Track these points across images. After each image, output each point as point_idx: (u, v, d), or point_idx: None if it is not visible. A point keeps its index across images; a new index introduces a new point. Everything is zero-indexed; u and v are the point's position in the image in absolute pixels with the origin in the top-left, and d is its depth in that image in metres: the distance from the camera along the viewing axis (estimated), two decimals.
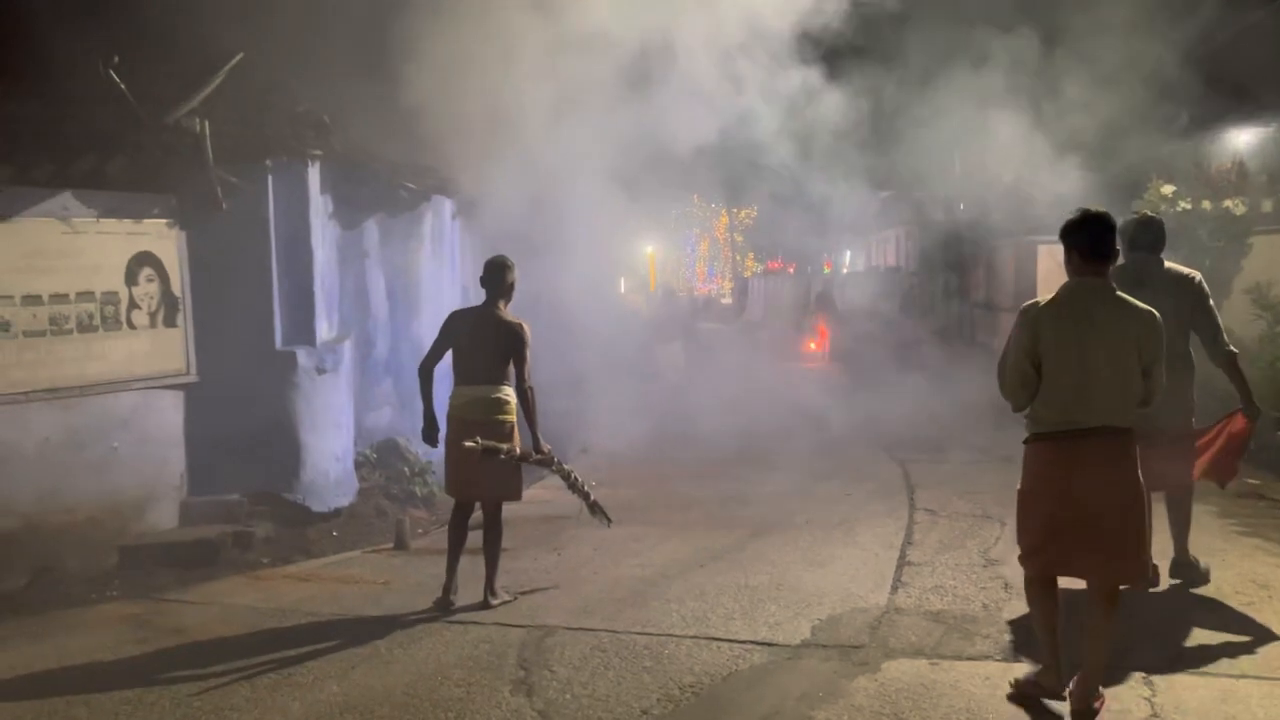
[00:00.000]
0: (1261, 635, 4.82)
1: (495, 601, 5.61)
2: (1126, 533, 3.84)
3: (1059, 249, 4.16)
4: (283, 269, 7.58)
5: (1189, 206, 11.92)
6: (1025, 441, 4.11)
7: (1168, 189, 12.31)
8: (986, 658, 4.66)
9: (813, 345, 20.63)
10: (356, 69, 8.33)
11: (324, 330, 7.91)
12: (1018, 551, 4.14)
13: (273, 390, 7.45)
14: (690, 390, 14.42)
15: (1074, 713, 3.89)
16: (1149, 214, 6.05)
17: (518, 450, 5.67)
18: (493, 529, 5.71)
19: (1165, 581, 5.52)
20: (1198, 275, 5.42)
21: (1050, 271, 15.57)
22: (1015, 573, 5.94)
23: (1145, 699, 4.14)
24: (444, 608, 5.56)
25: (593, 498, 6.18)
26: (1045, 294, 4.10)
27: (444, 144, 9.06)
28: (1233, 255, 11.71)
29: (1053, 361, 3.90)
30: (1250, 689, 4.22)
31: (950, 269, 29.56)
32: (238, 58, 7.15)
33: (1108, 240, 3.98)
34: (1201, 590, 5.51)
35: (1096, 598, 3.92)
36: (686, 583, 5.96)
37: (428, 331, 9.38)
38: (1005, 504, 7.30)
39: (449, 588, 5.63)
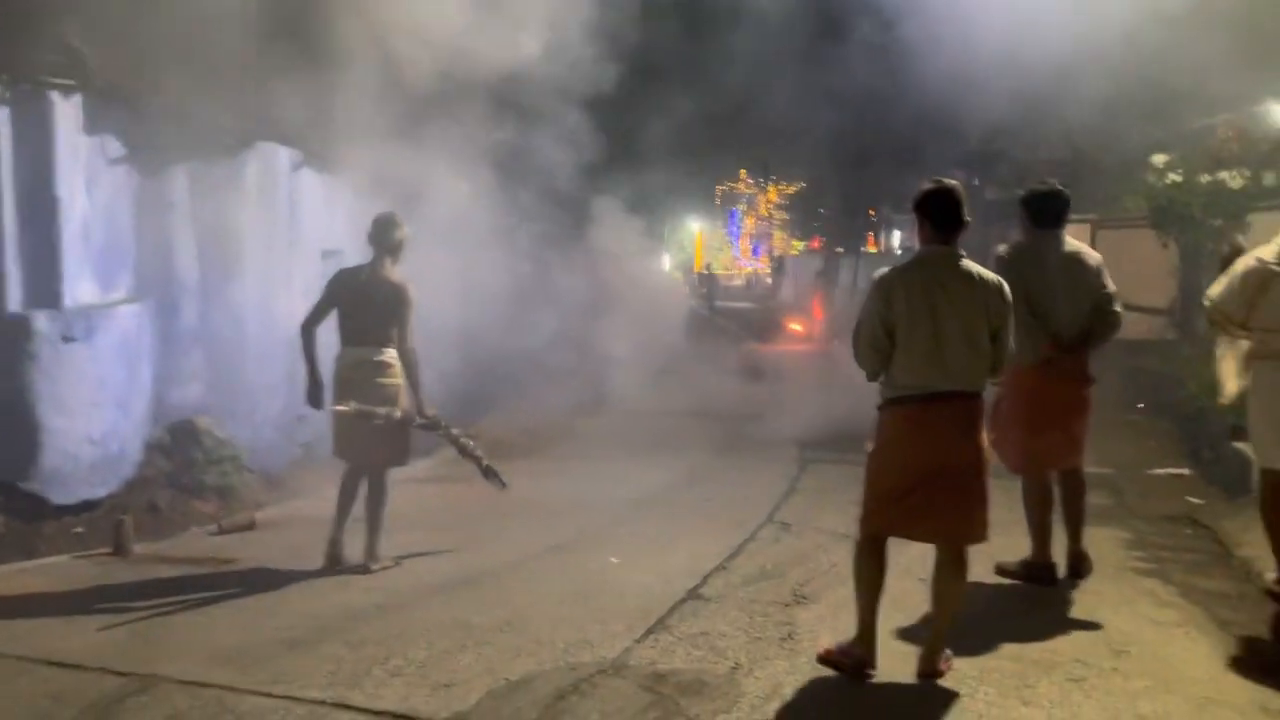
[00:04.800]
0: None
1: (375, 566, 5.45)
2: (974, 494, 3.86)
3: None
4: (21, 218, 6.41)
5: (1179, 179, 10.28)
6: (879, 407, 4.01)
7: (1159, 158, 10.70)
8: None
9: (797, 326, 19.11)
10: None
11: (85, 292, 6.75)
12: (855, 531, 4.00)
13: (3, 362, 6.33)
14: (632, 369, 13.13)
15: (922, 674, 3.86)
16: (1054, 185, 5.14)
17: (398, 414, 5.48)
18: (375, 494, 5.56)
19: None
20: (1098, 256, 5.14)
21: None
22: (814, 616, 4.62)
23: None
24: (334, 563, 5.47)
25: (485, 462, 5.98)
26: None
27: (284, 84, 7.84)
28: (1230, 234, 10.02)
29: (905, 328, 3.85)
30: None
31: (986, 248, 27.79)
32: None
33: (956, 211, 3.94)
34: (1034, 646, 4.15)
35: (946, 560, 3.93)
36: (398, 617, 4.69)
37: (251, 299, 8.21)
38: None
39: (336, 542, 5.52)
